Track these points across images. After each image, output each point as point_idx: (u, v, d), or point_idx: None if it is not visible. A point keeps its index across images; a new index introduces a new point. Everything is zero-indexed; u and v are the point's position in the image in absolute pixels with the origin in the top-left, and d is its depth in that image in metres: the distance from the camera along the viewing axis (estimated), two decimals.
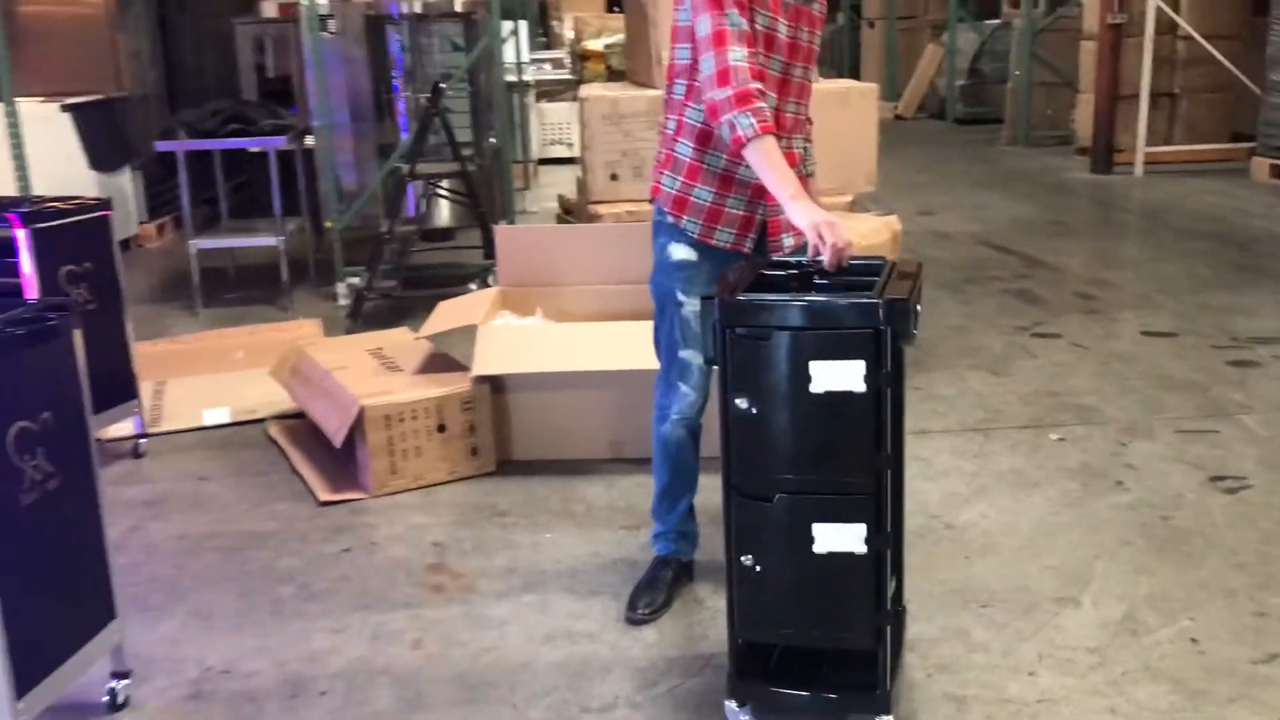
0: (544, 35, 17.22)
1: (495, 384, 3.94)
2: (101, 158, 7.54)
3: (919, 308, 2.37)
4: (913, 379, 4.79)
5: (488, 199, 6.56)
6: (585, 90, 5.85)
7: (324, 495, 3.82)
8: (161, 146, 6.41)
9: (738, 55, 2.57)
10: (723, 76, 2.57)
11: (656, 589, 3.05)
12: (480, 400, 3.90)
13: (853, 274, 2.43)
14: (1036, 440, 4.14)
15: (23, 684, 2.33)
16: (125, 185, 7.84)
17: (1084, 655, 2.78)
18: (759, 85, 2.58)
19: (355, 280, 6.20)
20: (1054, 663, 2.75)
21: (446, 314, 4.25)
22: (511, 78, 9.74)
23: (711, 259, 2.83)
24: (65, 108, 7.36)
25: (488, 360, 3.88)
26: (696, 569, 3.17)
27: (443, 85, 5.90)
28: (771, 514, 2.32)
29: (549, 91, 12.37)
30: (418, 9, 6.59)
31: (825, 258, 2.40)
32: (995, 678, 2.70)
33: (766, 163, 2.54)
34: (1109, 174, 10.21)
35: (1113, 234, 8.10)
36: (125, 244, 7.49)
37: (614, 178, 5.61)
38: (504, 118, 6.56)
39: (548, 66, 13.47)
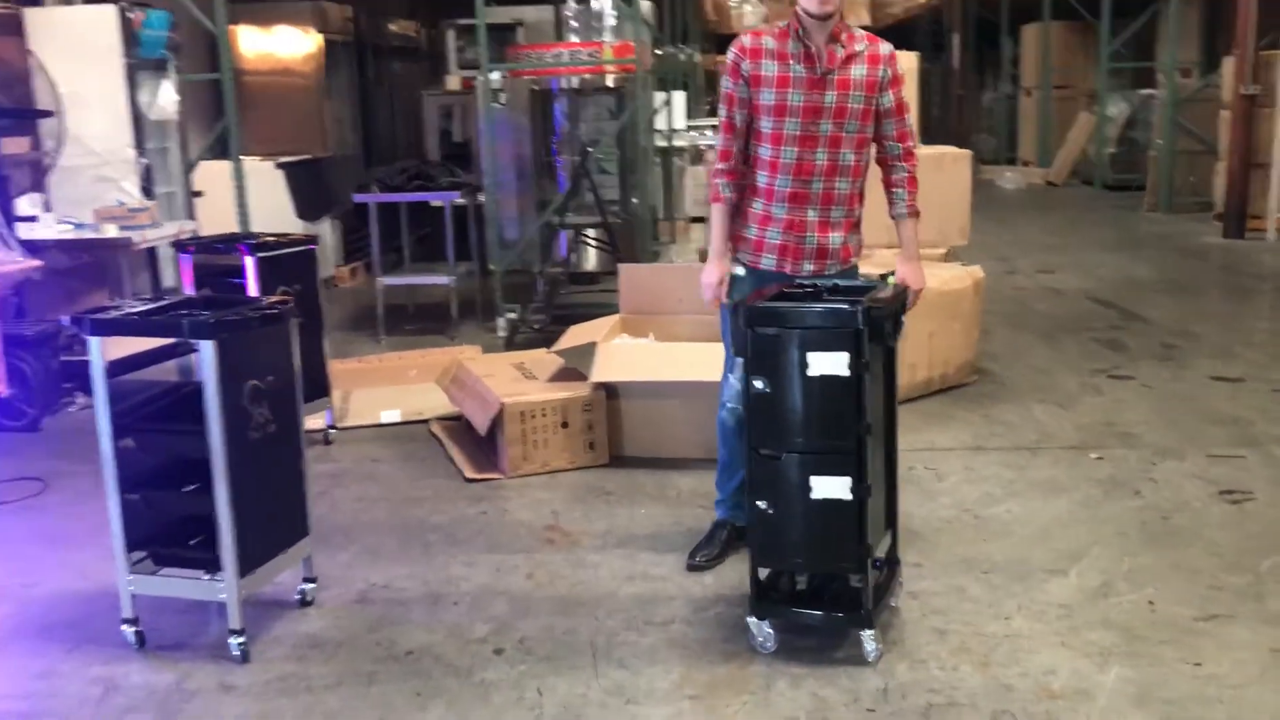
0: (710, 104, 18.29)
1: (610, 390, 4.79)
2: (307, 208, 8.83)
3: (903, 319, 3.12)
4: (982, 407, 5.45)
5: (630, 249, 7.47)
6: (710, 155, 6.72)
7: (470, 474, 4.74)
8: (358, 199, 7.59)
9: (723, 140, 3.68)
10: (718, 154, 3.61)
11: (713, 544, 3.82)
12: (597, 403, 4.76)
13: (855, 292, 3.19)
14: (1077, 458, 4.73)
15: (244, 567, 3.27)
16: (326, 232, 9.11)
17: (1055, 609, 3.41)
18: (724, 165, 3.66)
19: (512, 315, 7.19)
20: (1029, 613, 3.40)
21: (576, 334, 5.14)
22: (664, 143, 10.73)
23: (759, 279, 3.62)
24: (279, 165, 8.69)
25: (604, 370, 4.74)
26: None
27: (590, 149, 6.86)
28: (781, 468, 3.08)
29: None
30: (575, 84, 7.61)
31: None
32: (976, 619, 3.36)
33: (712, 222, 3.74)
34: (1241, 239, 10.48)
35: (1220, 293, 8.47)
36: (324, 283, 8.72)
37: None
38: (646, 178, 7.47)
39: (709, 133, 14.41)
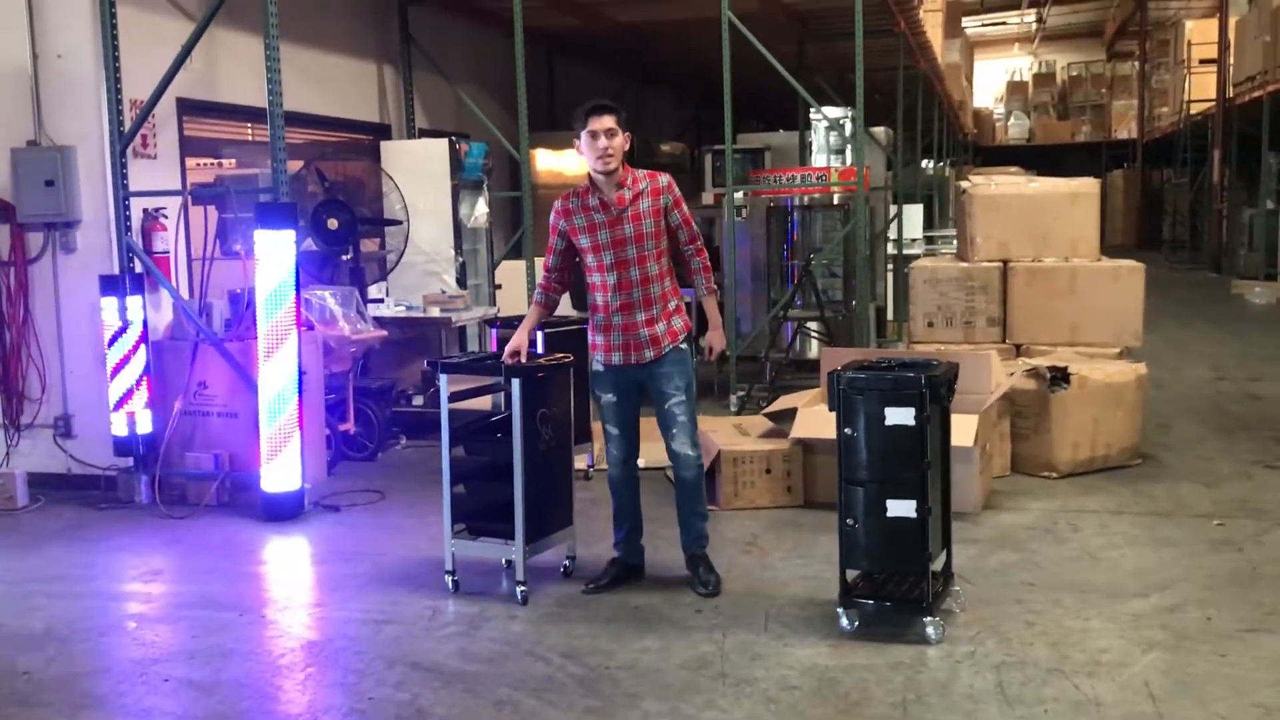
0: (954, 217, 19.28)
1: (806, 446, 6.05)
2: (582, 301, 10.55)
3: (955, 385, 4.30)
4: (1135, 484, 6.37)
5: (846, 340, 8.72)
6: (916, 262, 7.92)
7: None
8: None
9: (545, 266, 4.99)
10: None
11: (604, 576, 5.01)
12: (795, 455, 6.03)
13: (917, 367, 4.35)
14: (1201, 525, 5.58)
15: (528, 537, 4.73)
16: None
17: (1127, 616, 4.40)
18: (540, 282, 4.99)
19: (742, 393, 8.55)
20: (1104, 618, 4.40)
21: (783, 402, 6.44)
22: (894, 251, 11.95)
23: (615, 372, 4.84)
24: None
25: (802, 428, 6.01)
26: None
27: (812, 256, 8.21)
28: (864, 494, 4.27)
29: None
30: (805, 202, 9.02)
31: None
32: (1061, 619, 4.39)
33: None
34: None
35: None
36: None
37: (930, 325, 7.62)
38: (863, 281, 8.73)
39: (955, 241, 15.47)
